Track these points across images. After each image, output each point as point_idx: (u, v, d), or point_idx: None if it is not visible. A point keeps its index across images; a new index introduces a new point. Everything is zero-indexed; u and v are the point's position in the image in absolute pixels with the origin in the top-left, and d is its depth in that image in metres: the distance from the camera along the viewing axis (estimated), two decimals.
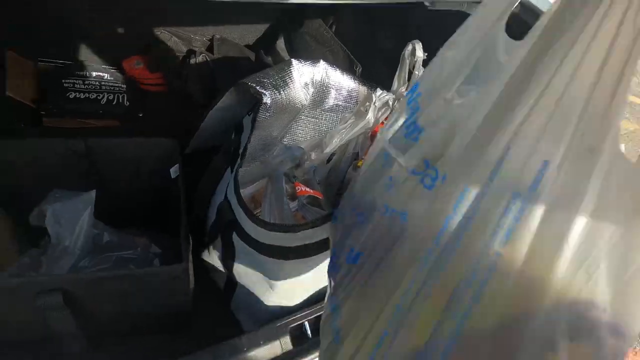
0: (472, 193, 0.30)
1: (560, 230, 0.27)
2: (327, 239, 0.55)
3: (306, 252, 0.55)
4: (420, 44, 0.69)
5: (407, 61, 0.72)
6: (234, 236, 0.60)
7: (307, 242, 0.53)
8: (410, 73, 0.73)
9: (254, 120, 0.63)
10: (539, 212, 0.28)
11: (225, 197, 0.62)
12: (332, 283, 0.43)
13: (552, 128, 0.27)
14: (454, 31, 0.36)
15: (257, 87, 0.63)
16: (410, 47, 0.70)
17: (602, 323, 0.27)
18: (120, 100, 1.00)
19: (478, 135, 0.30)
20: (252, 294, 0.65)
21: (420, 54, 0.69)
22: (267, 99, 0.63)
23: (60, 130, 0.91)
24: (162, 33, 1.09)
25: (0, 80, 0.89)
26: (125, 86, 1.03)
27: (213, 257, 0.70)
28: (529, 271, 0.28)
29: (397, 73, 0.74)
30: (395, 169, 0.37)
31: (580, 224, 0.27)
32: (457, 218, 0.30)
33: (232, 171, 0.65)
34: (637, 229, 0.27)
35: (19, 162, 0.65)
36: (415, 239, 0.33)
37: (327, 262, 0.60)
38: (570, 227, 0.27)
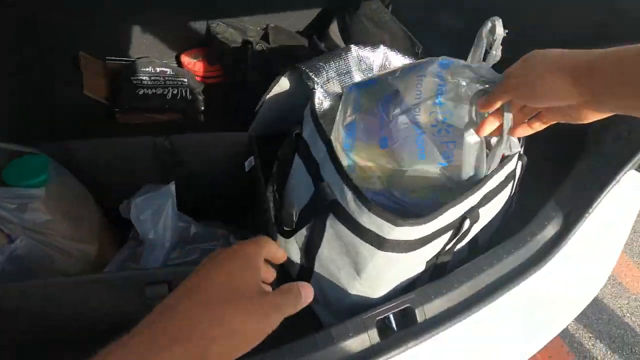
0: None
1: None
2: (421, 239, 0.54)
3: (399, 248, 0.54)
4: (501, 20, 0.65)
5: (485, 40, 0.68)
6: (330, 218, 0.58)
7: (401, 238, 0.53)
8: (487, 52, 0.69)
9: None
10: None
11: (322, 179, 0.59)
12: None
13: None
14: None
15: (311, 74, 0.62)
16: (489, 24, 0.66)
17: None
18: (184, 94, 1.02)
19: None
20: (332, 283, 0.66)
21: (500, 31, 0.65)
22: (318, 87, 0.62)
23: (136, 126, 0.95)
24: (219, 25, 1.09)
25: (72, 81, 0.94)
26: (186, 80, 1.05)
27: (288, 247, 0.71)
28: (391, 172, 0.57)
29: (471, 52, 0.70)
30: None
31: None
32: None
33: (328, 151, 0.61)
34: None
35: (110, 160, 0.68)
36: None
37: (415, 260, 0.60)
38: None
